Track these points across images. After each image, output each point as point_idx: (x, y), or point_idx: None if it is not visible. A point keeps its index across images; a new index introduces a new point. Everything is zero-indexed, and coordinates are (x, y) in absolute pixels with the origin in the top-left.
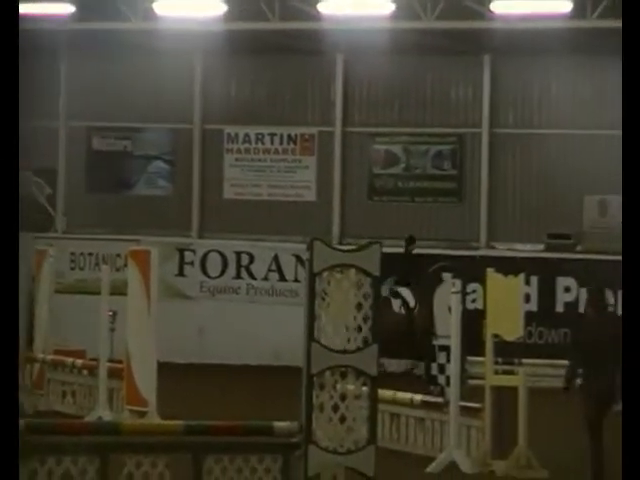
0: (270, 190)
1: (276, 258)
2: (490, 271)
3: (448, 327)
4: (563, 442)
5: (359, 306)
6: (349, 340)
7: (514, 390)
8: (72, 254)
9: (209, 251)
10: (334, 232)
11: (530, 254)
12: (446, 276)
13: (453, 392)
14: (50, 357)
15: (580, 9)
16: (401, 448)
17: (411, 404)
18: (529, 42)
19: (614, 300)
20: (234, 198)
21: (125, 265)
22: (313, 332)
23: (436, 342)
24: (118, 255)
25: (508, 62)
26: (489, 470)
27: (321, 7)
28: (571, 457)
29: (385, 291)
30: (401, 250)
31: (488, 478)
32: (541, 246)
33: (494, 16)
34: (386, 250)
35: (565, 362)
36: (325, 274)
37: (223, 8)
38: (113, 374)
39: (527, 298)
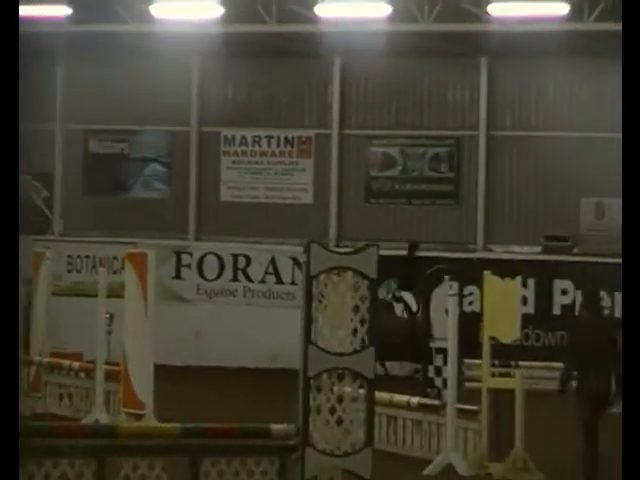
0: (267, 193)
1: (273, 261)
2: (487, 273)
3: (445, 330)
4: (560, 445)
5: (356, 309)
6: (346, 342)
7: (511, 393)
8: (69, 257)
9: (206, 254)
10: (331, 234)
11: (527, 256)
12: (443, 278)
13: (450, 394)
14: (47, 360)
15: (577, 12)
16: (398, 451)
17: (408, 406)
18: (526, 45)
19: (611, 302)
20: (231, 201)
21: (122, 268)
22: (310, 335)
23: (433, 344)
24: (115, 258)
25: (505, 64)
26: (486, 473)
27: (318, 10)
28: (568, 459)
29: (388, 295)
30: (402, 252)
31: None
32: (538, 248)
33: (491, 18)
34: (388, 253)
35: (562, 365)
36: (322, 277)
37: (220, 11)
38: (110, 377)
39: (524, 300)
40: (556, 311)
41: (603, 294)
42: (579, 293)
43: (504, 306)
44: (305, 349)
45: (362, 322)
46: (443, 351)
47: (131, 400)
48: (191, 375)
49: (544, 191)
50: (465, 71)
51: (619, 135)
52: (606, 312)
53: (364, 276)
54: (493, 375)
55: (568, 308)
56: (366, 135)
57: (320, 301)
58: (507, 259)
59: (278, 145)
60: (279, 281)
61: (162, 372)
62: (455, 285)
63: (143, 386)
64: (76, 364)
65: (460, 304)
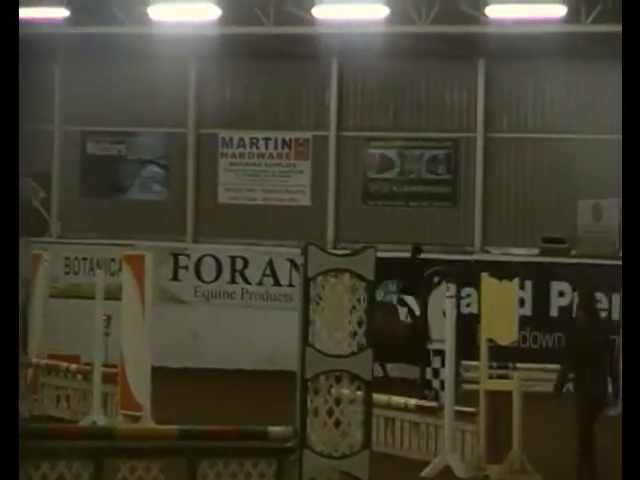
0: (265, 195)
1: (270, 263)
2: (485, 275)
3: (443, 331)
4: (557, 446)
5: (353, 310)
6: (344, 344)
7: (508, 394)
8: (66, 258)
9: (203, 256)
10: (328, 237)
11: (524, 258)
12: (441, 280)
13: (448, 396)
14: (44, 361)
15: (574, 14)
16: (396, 452)
17: (405, 408)
18: (524, 47)
19: (608, 304)
20: (229, 202)
21: (119, 270)
22: (307, 337)
23: (431, 346)
24: (112, 259)
25: (503, 66)
26: (483, 474)
27: (315, 11)
28: (565, 461)
29: (386, 297)
30: (401, 254)
31: None
32: (535, 250)
33: (489, 20)
34: (390, 255)
35: (559, 367)
36: (319, 279)
37: (217, 13)
38: (107, 379)
39: (521, 302)
40: (553, 313)
41: (600, 296)
42: (576, 295)
43: (501, 308)
44: (303, 351)
45: (359, 324)
46: (441, 353)
47: (128, 402)
48: (189, 377)
49: (541, 193)
50: (463, 73)
51: (616, 137)
52: (602, 314)
53: (361, 278)
54: (491, 377)
55: (565, 310)
56: (364, 137)
57: (317, 303)
58: (504, 261)
59: (276, 147)
60: (277, 283)
61: (159, 374)
62: (453, 287)
63: (140, 388)
64: (73, 366)
65: (458, 306)
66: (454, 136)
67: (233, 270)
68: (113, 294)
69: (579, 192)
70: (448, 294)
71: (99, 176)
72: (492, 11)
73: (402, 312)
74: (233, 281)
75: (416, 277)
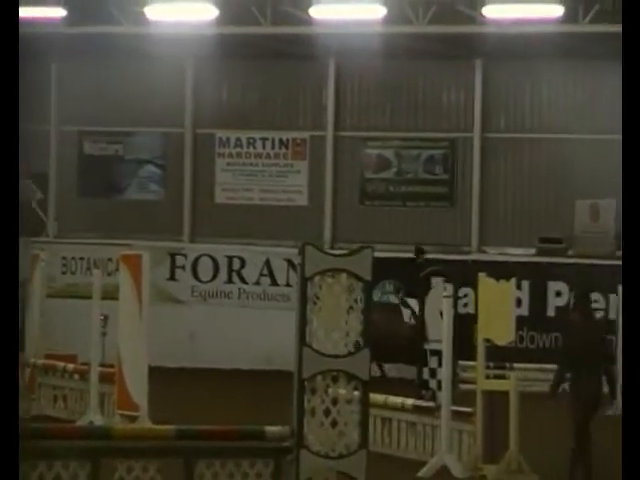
0: (262, 194)
1: (268, 262)
2: (482, 275)
3: (440, 331)
4: (554, 446)
5: (351, 310)
6: (341, 344)
7: (505, 394)
8: (64, 258)
9: (200, 255)
10: (326, 236)
11: (522, 258)
12: (437, 280)
13: (444, 396)
14: (41, 361)
15: (572, 14)
16: (393, 452)
17: (402, 408)
18: (521, 46)
19: (605, 304)
20: (226, 202)
21: (117, 269)
22: (305, 336)
23: (428, 346)
24: (110, 259)
25: (500, 66)
26: (480, 474)
27: (313, 11)
28: (562, 461)
29: (393, 299)
30: (401, 254)
31: None
32: (533, 250)
33: (486, 20)
34: (386, 255)
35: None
36: (317, 278)
37: (215, 12)
38: (104, 378)
39: (518, 302)
40: (550, 313)
41: (597, 296)
42: (572, 295)
43: (499, 308)
44: (300, 351)
45: (357, 324)
46: (438, 353)
47: (125, 402)
48: (186, 377)
49: (538, 193)
50: (460, 73)
51: (614, 137)
52: (598, 314)
53: (359, 278)
54: (488, 377)
55: (562, 310)
56: (361, 137)
57: (315, 303)
58: (502, 261)
59: (273, 147)
60: (274, 283)
61: (157, 374)
62: (450, 287)
63: (137, 388)
64: (70, 366)
65: (455, 306)
66: (451, 136)
67: (230, 270)
68: (110, 294)
69: (576, 192)
70: (445, 294)
71: (96, 176)
72: (489, 11)
73: (405, 313)
74: (230, 281)
75: (418, 279)
